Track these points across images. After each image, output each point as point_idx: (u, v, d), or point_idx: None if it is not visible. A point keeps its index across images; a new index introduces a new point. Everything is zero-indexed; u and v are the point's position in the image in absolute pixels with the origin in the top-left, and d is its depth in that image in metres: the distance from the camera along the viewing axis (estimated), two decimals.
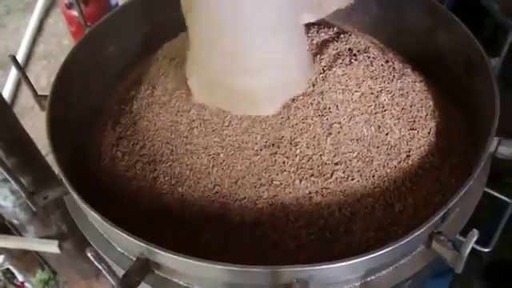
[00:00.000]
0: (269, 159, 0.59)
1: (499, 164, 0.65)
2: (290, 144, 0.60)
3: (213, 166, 0.60)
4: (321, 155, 0.59)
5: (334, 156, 0.59)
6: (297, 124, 0.61)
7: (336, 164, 0.59)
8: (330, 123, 0.61)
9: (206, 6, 0.56)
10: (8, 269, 1.34)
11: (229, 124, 0.62)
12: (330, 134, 0.60)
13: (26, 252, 1.31)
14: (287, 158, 0.59)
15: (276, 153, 0.59)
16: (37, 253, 1.33)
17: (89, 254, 0.43)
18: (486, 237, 0.67)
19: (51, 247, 1.22)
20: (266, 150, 0.60)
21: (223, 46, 0.58)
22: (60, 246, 1.23)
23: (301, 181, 0.58)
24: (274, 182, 0.58)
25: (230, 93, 0.62)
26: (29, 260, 1.36)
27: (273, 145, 0.60)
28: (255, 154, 0.60)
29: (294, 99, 0.63)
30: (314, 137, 0.60)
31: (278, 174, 0.58)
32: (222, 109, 0.63)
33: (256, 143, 0.60)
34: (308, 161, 0.59)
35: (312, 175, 0.58)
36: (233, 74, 0.60)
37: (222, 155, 0.60)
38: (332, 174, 0.58)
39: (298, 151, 0.59)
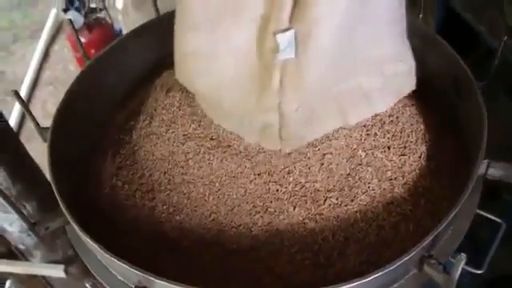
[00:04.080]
0: (263, 187, 0.61)
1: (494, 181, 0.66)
2: (283, 172, 0.61)
3: (209, 195, 0.62)
4: (314, 183, 0.60)
5: (327, 184, 0.60)
6: (289, 155, 0.62)
7: (329, 191, 0.60)
8: (322, 153, 0.62)
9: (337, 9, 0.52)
10: None
11: (222, 158, 0.64)
12: (323, 164, 0.62)
13: (32, 276, 1.32)
14: (280, 185, 0.60)
15: (270, 181, 0.61)
16: (43, 277, 1.34)
17: (87, 285, 0.45)
18: (485, 255, 0.67)
19: (57, 272, 1.23)
20: (259, 178, 0.61)
21: (351, 49, 0.56)
22: (66, 271, 1.23)
23: (294, 207, 0.59)
24: (269, 209, 0.60)
25: (344, 101, 0.61)
26: (35, 284, 1.37)
27: (266, 173, 0.62)
28: (250, 182, 0.61)
29: None
30: (307, 165, 0.61)
31: (272, 202, 0.60)
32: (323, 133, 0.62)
33: (250, 173, 0.62)
34: (301, 188, 0.60)
35: (305, 202, 0.59)
36: (355, 76, 0.59)
37: (217, 184, 0.62)
38: (325, 201, 0.59)
39: (291, 179, 0.61)
